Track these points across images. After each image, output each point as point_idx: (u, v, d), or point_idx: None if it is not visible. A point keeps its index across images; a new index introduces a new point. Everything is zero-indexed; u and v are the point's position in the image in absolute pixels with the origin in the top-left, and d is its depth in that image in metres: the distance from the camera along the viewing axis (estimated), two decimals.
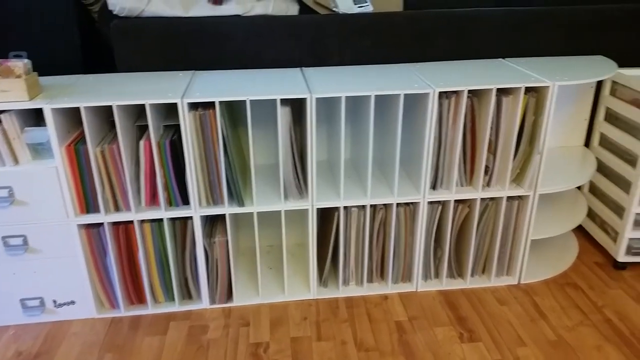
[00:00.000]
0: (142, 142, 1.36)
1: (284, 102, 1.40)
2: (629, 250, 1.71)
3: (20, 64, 1.32)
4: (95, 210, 1.43)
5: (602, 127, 1.80)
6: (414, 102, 1.51)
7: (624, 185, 1.68)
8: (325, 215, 1.64)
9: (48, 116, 1.30)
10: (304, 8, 1.69)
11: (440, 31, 1.67)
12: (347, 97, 1.65)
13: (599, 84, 1.80)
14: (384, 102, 1.57)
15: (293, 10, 1.66)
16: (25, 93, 1.31)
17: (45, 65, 1.47)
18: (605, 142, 1.79)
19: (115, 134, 1.40)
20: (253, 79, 1.50)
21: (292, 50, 1.63)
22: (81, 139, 1.37)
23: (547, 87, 1.43)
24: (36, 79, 1.37)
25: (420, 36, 1.66)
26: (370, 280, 1.66)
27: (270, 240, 1.87)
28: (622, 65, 1.76)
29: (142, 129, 1.43)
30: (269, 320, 1.54)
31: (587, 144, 1.89)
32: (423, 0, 1.86)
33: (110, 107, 1.32)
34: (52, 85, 1.45)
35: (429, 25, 1.65)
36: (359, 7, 1.67)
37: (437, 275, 1.68)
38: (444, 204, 1.56)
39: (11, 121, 1.33)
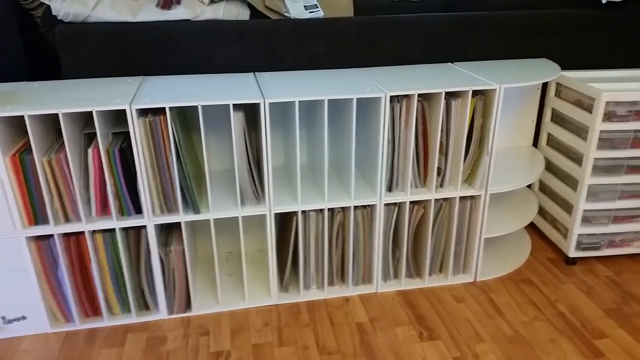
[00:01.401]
0: (90, 150, 1.33)
1: (237, 107, 1.39)
2: (579, 246, 1.77)
3: None
4: (45, 221, 1.38)
5: (549, 127, 1.87)
6: (367, 106, 1.53)
7: (572, 183, 1.74)
8: (284, 220, 1.63)
9: None
10: (255, 13, 1.69)
11: (390, 36, 1.69)
12: (302, 102, 1.66)
13: (545, 86, 1.86)
14: (338, 107, 1.58)
15: (244, 15, 1.66)
16: None
17: None
18: (553, 142, 1.86)
19: (63, 143, 1.36)
20: (205, 84, 1.49)
21: (244, 54, 1.63)
22: (27, 149, 1.33)
23: (494, 89, 1.47)
24: None
25: (370, 41, 1.69)
26: (331, 283, 1.66)
27: (229, 247, 1.85)
28: (565, 67, 1.83)
29: (91, 137, 1.40)
30: (230, 328, 1.52)
31: (536, 144, 1.95)
32: (372, 6, 1.89)
33: (55, 114, 1.28)
34: None
35: (379, 31, 1.68)
36: (310, 12, 1.68)
37: (396, 275, 1.69)
38: (399, 205, 1.58)
39: None
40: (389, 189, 1.56)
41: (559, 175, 1.82)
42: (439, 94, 1.45)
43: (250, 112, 1.48)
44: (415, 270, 1.70)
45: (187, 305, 1.57)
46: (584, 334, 1.48)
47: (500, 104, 1.48)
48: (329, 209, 1.54)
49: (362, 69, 1.67)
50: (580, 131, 1.69)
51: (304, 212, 1.53)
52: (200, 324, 1.54)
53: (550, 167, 1.87)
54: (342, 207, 1.56)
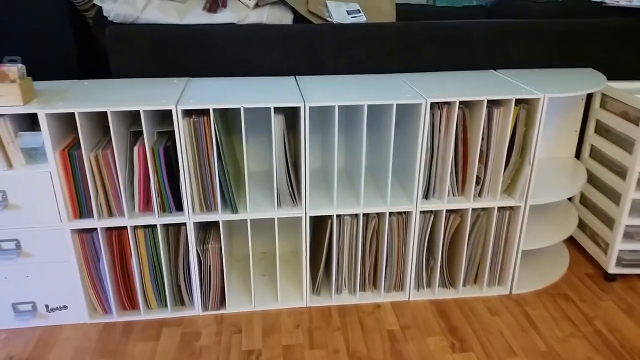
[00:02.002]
0: (136, 148, 1.37)
1: (278, 110, 1.41)
2: (619, 262, 1.72)
3: (14, 69, 1.33)
4: (89, 215, 1.43)
5: (593, 139, 1.82)
6: (407, 112, 1.53)
7: (614, 197, 1.70)
8: (319, 223, 1.64)
9: (42, 121, 1.31)
10: (298, 17, 1.71)
11: (431, 42, 1.69)
12: (341, 106, 1.67)
13: (589, 97, 1.82)
14: (377, 112, 1.58)
15: (287, 19, 1.68)
16: (19, 98, 1.31)
17: (39, 71, 1.47)
18: (596, 154, 1.81)
19: (109, 139, 1.40)
20: (247, 86, 1.52)
21: (286, 58, 1.65)
22: (75, 144, 1.38)
23: (538, 98, 1.44)
24: (30, 83, 1.38)
25: (412, 47, 1.68)
26: (362, 288, 1.66)
27: (263, 247, 1.87)
28: (611, 78, 1.79)
29: (136, 135, 1.44)
30: (262, 327, 1.54)
31: (578, 155, 1.91)
32: (415, 12, 1.88)
33: (104, 112, 1.33)
34: (46, 90, 1.46)
35: (421, 37, 1.67)
36: (353, 17, 1.69)
37: (429, 284, 1.68)
38: (436, 213, 1.57)
39: (5, 125, 1.33)
40: (426, 196, 1.55)
41: (601, 189, 1.77)
42: (480, 101, 1.43)
43: (290, 115, 1.50)
44: (449, 279, 1.68)
45: (222, 302, 1.60)
46: (623, 354, 1.44)
47: (544, 114, 1.45)
48: (364, 214, 1.54)
49: (403, 75, 1.67)
50: (626, 144, 1.64)
51: (339, 216, 1.53)
52: (233, 322, 1.56)
53: (592, 179, 1.82)
54: (377, 213, 1.56)
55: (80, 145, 1.35)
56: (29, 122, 1.43)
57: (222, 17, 1.60)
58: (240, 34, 1.60)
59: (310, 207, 1.52)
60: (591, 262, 1.85)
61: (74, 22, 1.73)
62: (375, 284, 1.67)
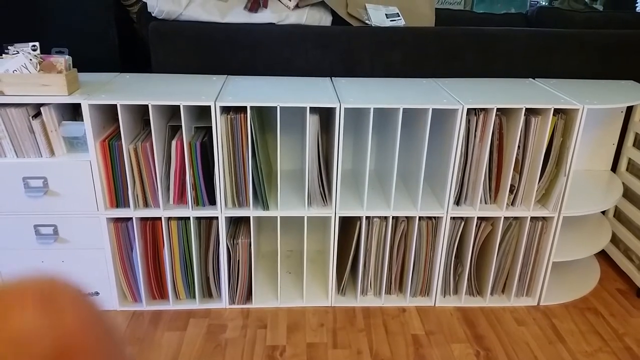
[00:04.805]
0: (174, 142, 1.40)
1: (313, 110, 1.42)
2: None
3: (61, 60, 1.37)
4: (125, 205, 1.47)
5: (631, 152, 1.78)
6: (442, 117, 1.52)
7: None
8: (347, 224, 1.65)
9: (85, 111, 1.34)
10: (337, 19, 1.71)
11: (470, 48, 1.68)
12: (375, 109, 1.67)
13: (629, 109, 1.78)
14: (411, 116, 1.58)
15: (326, 20, 1.69)
16: (65, 88, 1.35)
17: (84, 63, 1.51)
18: (633, 168, 1.77)
19: (148, 132, 1.44)
20: (284, 86, 1.53)
21: (323, 59, 1.66)
22: (115, 135, 1.42)
23: (577, 109, 1.42)
24: (76, 75, 1.42)
25: (450, 52, 1.68)
26: (388, 291, 1.66)
27: (290, 245, 1.89)
28: None
29: (174, 129, 1.47)
30: (286, 324, 1.56)
31: (614, 168, 1.87)
32: (455, 18, 1.87)
33: (144, 105, 1.36)
34: (90, 82, 1.50)
35: (459, 42, 1.66)
36: (391, 20, 1.69)
37: (456, 291, 1.67)
38: (466, 220, 1.56)
39: (50, 114, 1.38)
40: (457, 202, 1.54)
41: (637, 203, 1.73)
42: (518, 109, 1.42)
43: (324, 115, 1.51)
44: (476, 287, 1.67)
45: (248, 297, 1.62)
46: None
47: (582, 125, 1.43)
48: (393, 217, 1.54)
49: (440, 80, 1.67)
50: None
51: (368, 218, 1.54)
52: (258, 316, 1.58)
53: (627, 194, 1.78)
54: (406, 217, 1.55)
55: (120, 136, 1.38)
56: (72, 112, 1.47)
57: (262, 17, 1.62)
58: (279, 34, 1.62)
59: (340, 207, 1.53)
60: (623, 278, 1.81)
61: (118, 17, 1.77)
62: (401, 287, 1.67)
